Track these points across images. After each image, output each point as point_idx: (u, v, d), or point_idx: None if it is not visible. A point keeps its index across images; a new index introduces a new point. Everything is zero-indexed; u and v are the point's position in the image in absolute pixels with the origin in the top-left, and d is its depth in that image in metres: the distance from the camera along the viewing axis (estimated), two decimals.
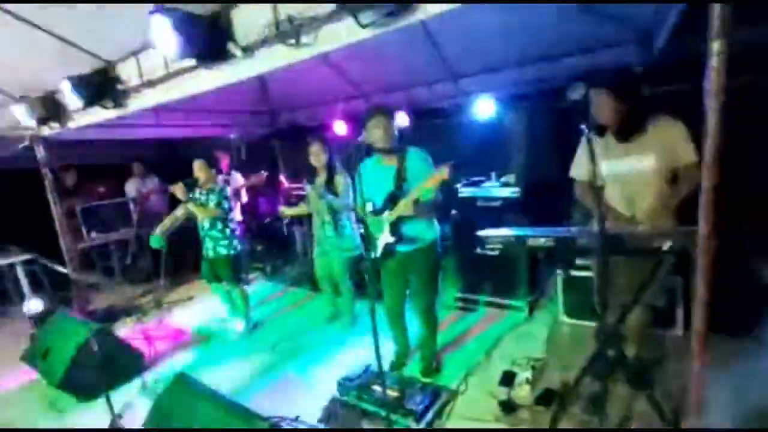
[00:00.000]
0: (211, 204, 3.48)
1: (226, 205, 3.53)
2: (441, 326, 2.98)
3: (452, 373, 2.77)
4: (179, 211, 3.59)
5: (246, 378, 3.00)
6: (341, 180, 3.24)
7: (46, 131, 3.74)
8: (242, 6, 2.05)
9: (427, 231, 2.54)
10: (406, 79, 4.41)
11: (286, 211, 3.75)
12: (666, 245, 1.65)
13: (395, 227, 2.47)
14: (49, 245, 4.50)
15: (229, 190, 3.67)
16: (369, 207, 2.56)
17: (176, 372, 2.20)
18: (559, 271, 3.26)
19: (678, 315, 2.90)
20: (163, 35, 1.94)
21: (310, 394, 2.68)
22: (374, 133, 2.39)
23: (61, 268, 4.51)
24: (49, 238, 4.42)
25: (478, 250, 3.58)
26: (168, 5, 1.89)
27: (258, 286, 5.11)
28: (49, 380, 2.63)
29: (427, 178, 2.30)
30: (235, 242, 3.59)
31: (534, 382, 2.50)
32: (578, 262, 2.87)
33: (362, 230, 3.63)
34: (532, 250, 3.10)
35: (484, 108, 4.00)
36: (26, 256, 4.72)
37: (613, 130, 2.07)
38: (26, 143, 3.98)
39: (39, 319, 3.84)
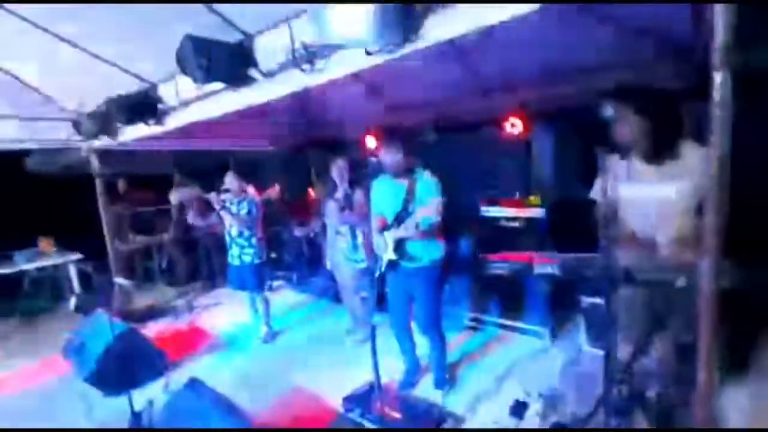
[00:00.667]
0: (242, 212, 3.66)
1: (254, 214, 3.70)
2: (452, 345, 2.95)
3: (461, 395, 2.71)
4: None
5: (259, 385, 3.09)
6: (359, 194, 3.33)
7: (98, 143, 4.11)
8: (264, 34, 2.18)
9: (430, 251, 2.59)
10: (435, 95, 4.44)
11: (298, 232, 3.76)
12: (680, 281, 1.55)
13: (399, 246, 2.53)
14: (98, 247, 4.90)
15: (258, 200, 3.85)
16: (377, 223, 2.66)
17: (189, 377, 2.32)
18: (582, 297, 3.12)
19: None
20: (192, 63, 2.10)
21: (318, 407, 2.71)
22: (386, 158, 2.53)
23: (99, 273, 4.87)
24: (98, 241, 4.81)
25: (492, 271, 3.50)
26: (196, 35, 2.05)
27: (284, 294, 5.25)
28: (80, 374, 2.85)
29: (428, 205, 2.38)
30: (261, 251, 3.75)
31: (545, 414, 2.40)
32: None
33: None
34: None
35: (511, 125, 3.95)
36: (77, 256, 5.16)
37: (639, 151, 1.96)
38: (82, 154, 4.38)
39: (80, 312, 4.16)
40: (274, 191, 5.11)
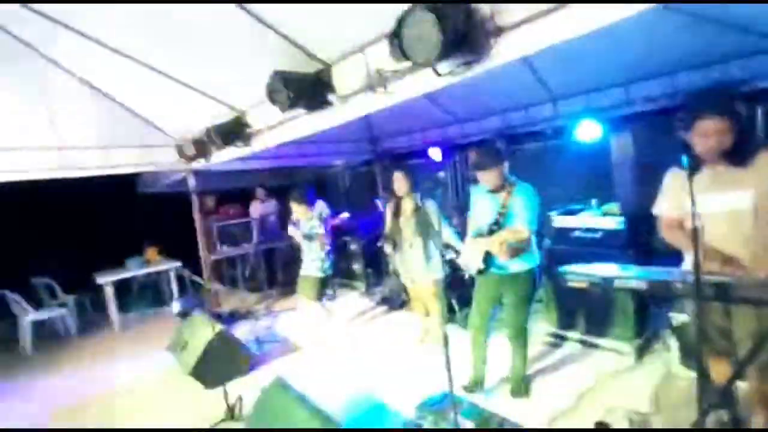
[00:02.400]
0: (311, 230, 3.97)
1: (321, 230, 3.97)
2: (530, 357, 2.91)
3: (537, 412, 2.64)
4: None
5: (331, 389, 3.24)
6: (431, 208, 3.40)
7: (195, 165, 4.66)
8: (341, 63, 2.38)
9: (524, 259, 2.61)
10: (501, 104, 4.40)
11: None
12: None
13: (488, 256, 2.58)
14: (193, 256, 5.52)
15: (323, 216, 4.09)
16: (473, 229, 2.76)
17: (276, 376, 2.54)
18: (672, 314, 2.88)
19: None
20: (278, 93, 2.37)
21: (388, 412, 2.81)
22: (483, 178, 2.62)
23: (197, 278, 5.46)
24: (193, 251, 5.43)
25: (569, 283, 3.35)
26: (281, 70, 2.30)
27: (352, 303, 5.47)
28: (183, 369, 3.23)
29: (513, 228, 2.44)
30: (326, 265, 3.99)
31: None
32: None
33: (449, 254, 3.74)
34: None
35: (585, 131, 3.80)
36: (177, 264, 5.84)
37: (717, 158, 1.79)
38: (182, 175, 5.00)
39: (182, 316, 4.72)
40: (341, 218, 5.43)
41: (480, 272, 2.66)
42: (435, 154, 5.28)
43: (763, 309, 1.59)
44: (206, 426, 2.86)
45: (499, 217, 2.56)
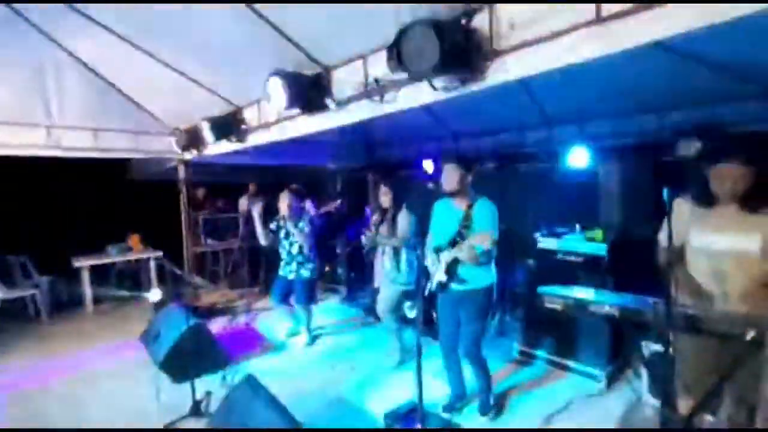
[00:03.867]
0: (298, 230, 3.95)
1: (307, 230, 3.97)
2: (501, 376, 2.98)
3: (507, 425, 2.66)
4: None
5: (303, 391, 3.22)
6: (403, 218, 3.45)
7: (187, 156, 4.63)
8: (340, 68, 2.41)
9: (481, 276, 2.63)
10: (497, 124, 4.47)
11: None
12: (750, 334, 1.46)
13: (450, 268, 2.59)
14: (176, 247, 5.45)
15: (311, 215, 4.13)
16: (432, 244, 2.76)
17: (246, 373, 2.52)
18: (645, 342, 2.93)
19: None
20: (277, 91, 2.38)
21: (359, 420, 2.79)
22: (444, 181, 2.65)
23: (178, 270, 5.39)
24: (175, 241, 5.36)
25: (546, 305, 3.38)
26: (280, 69, 2.32)
27: (333, 308, 5.44)
28: (154, 360, 3.18)
29: (481, 234, 2.42)
30: (314, 266, 4.01)
31: None
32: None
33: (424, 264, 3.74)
34: None
35: (576, 157, 3.88)
36: (158, 254, 5.75)
37: (731, 200, 1.83)
38: (174, 164, 4.95)
39: (158, 307, 4.64)
40: (335, 204, 5.43)
41: (441, 286, 2.67)
42: (428, 166, 5.33)
43: (730, 343, 1.63)
44: (168, 420, 2.79)
45: (462, 230, 2.57)
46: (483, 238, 2.39)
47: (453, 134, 5.01)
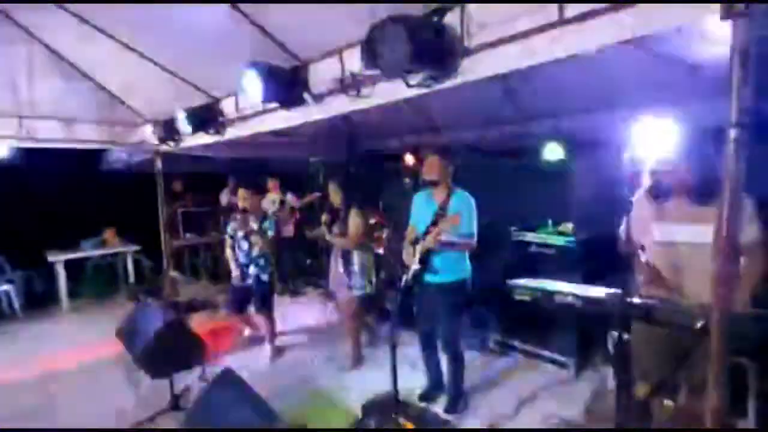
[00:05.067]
0: (261, 231, 3.63)
1: (272, 233, 3.68)
2: (475, 366, 2.99)
3: (477, 418, 2.75)
4: None
5: (282, 382, 3.26)
6: (354, 218, 3.35)
7: (164, 147, 4.54)
8: (317, 62, 2.41)
9: (456, 268, 2.67)
10: (478, 118, 4.53)
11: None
12: (698, 324, 1.56)
13: (424, 257, 2.62)
14: (154, 241, 5.35)
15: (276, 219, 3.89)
16: (412, 235, 2.79)
17: (224, 368, 2.53)
18: (611, 332, 3.06)
19: (749, 405, 2.55)
20: (252, 84, 2.37)
21: (338, 411, 2.85)
22: (426, 167, 2.69)
23: (155, 264, 5.30)
24: (154, 235, 5.27)
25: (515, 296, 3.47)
26: (258, 60, 2.31)
27: (314, 300, 5.47)
28: (131, 355, 3.14)
29: (450, 216, 2.49)
30: (272, 270, 3.76)
31: None
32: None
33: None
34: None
35: (551, 152, 3.97)
36: (135, 247, 5.66)
37: (681, 193, 1.94)
38: (150, 156, 4.86)
39: (135, 301, 4.58)
40: (313, 197, 5.43)
41: (416, 278, 2.66)
42: (409, 159, 5.36)
43: (682, 332, 1.72)
44: (146, 415, 2.79)
45: (437, 218, 2.61)
46: (452, 219, 2.43)
47: (435, 126, 5.04)
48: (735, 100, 1.12)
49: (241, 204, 3.67)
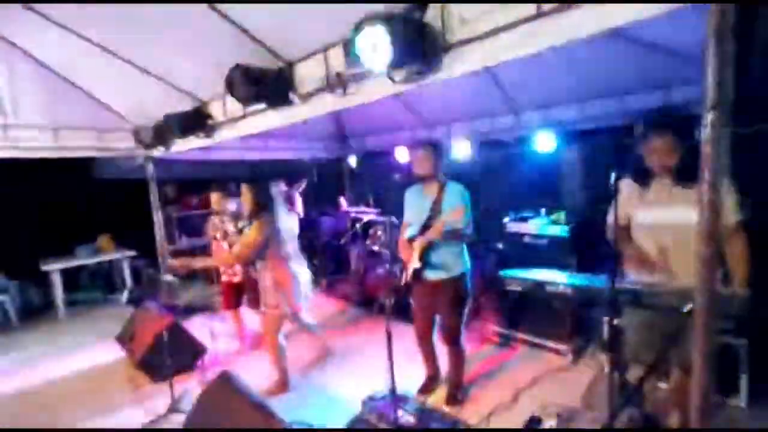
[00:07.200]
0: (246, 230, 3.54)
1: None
2: (473, 357, 3.01)
3: (476, 408, 2.78)
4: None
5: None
6: (265, 225, 2.94)
7: (155, 153, 4.53)
8: (303, 62, 2.42)
9: (455, 263, 2.67)
10: (468, 111, 4.54)
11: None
12: (687, 307, 1.58)
13: (424, 254, 2.62)
14: (149, 246, 5.34)
15: None
16: (407, 232, 2.77)
17: (223, 370, 2.54)
18: (605, 318, 3.10)
19: (741, 383, 2.60)
20: (240, 86, 2.37)
21: (337, 407, 2.88)
22: (417, 162, 2.68)
23: (152, 269, 5.30)
24: (148, 240, 5.26)
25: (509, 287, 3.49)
26: (241, 64, 2.31)
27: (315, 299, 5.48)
28: (131, 360, 3.17)
29: (452, 210, 2.46)
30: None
31: None
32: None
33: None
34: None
35: (541, 143, 3.99)
36: (131, 253, 5.64)
37: (666, 175, 1.97)
38: (140, 161, 4.84)
39: (134, 306, 4.57)
40: (301, 185, 5.39)
41: (416, 274, 2.67)
42: (401, 155, 5.37)
43: (671, 316, 1.76)
44: (147, 420, 2.81)
45: (433, 213, 2.61)
46: (455, 213, 2.42)
47: (426, 122, 5.05)
48: (711, 83, 1.14)
49: (214, 207, 3.85)
